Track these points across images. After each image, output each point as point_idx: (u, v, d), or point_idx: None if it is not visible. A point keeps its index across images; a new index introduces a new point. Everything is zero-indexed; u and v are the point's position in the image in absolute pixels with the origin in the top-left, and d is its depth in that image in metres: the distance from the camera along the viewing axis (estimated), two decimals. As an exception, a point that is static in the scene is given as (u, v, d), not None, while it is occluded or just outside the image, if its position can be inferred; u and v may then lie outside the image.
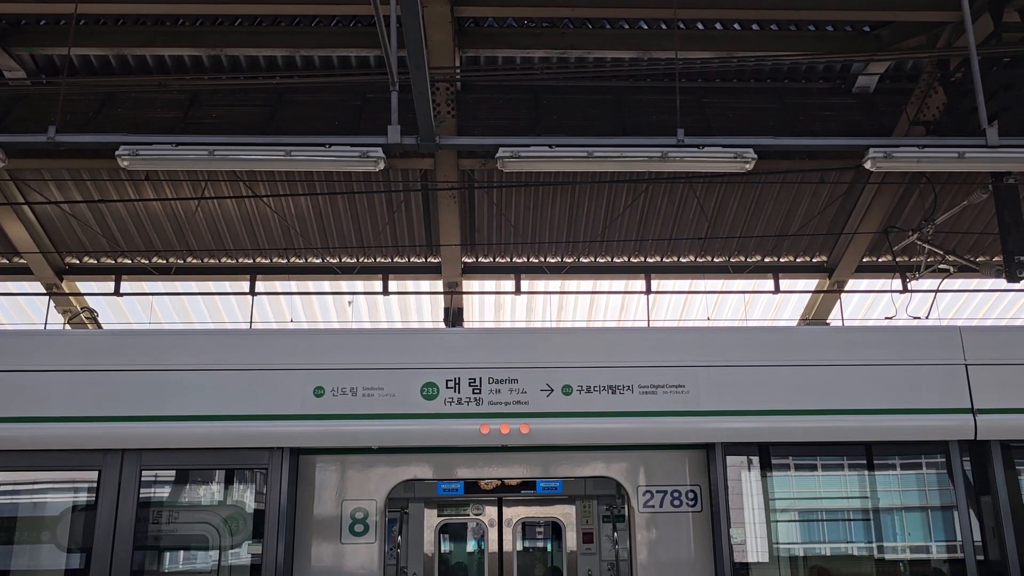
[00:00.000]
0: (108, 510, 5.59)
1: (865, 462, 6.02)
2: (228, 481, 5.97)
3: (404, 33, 5.47)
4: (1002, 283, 13.40)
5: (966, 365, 5.98)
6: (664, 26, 11.09)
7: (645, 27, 11.19)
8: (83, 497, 5.77)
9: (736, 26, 11.22)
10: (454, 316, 14.04)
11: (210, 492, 6.02)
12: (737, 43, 11.16)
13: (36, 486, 5.91)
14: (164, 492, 5.88)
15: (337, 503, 5.83)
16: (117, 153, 6.27)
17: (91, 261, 13.98)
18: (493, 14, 10.83)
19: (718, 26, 11.21)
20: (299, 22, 11.07)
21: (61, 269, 13.89)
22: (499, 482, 9.35)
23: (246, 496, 5.94)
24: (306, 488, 5.83)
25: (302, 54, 11.40)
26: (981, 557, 5.75)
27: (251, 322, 14.40)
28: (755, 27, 11.22)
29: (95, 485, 5.65)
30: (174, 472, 5.88)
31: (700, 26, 11.20)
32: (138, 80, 11.72)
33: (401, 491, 8.03)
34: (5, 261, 13.92)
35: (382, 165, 6.21)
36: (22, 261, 13.65)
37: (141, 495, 5.67)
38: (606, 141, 6.40)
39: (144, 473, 5.69)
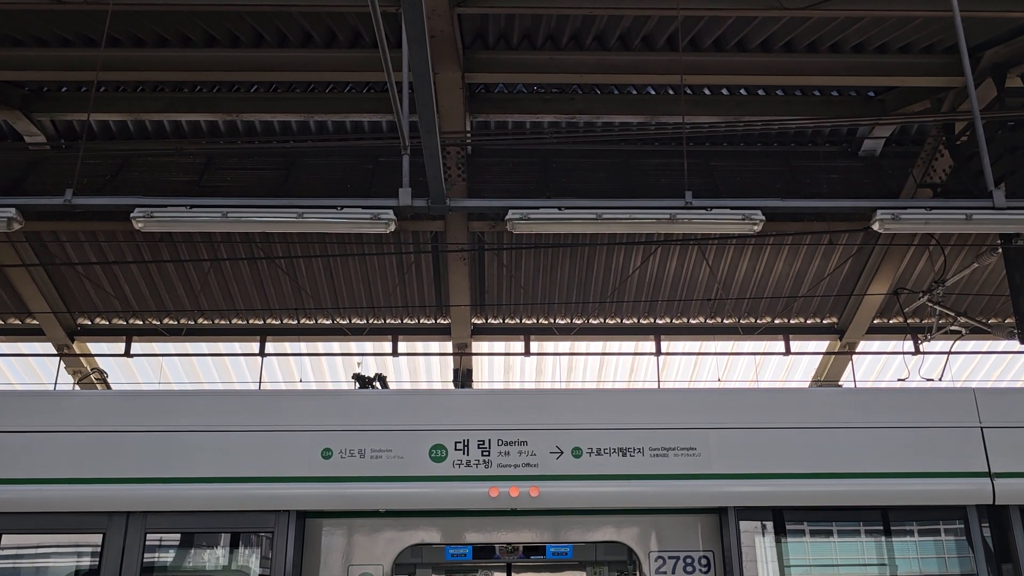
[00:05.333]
0: (112, 574, 5.51)
1: (882, 528, 5.89)
2: (233, 545, 5.89)
3: (416, 98, 5.58)
4: (1015, 345, 13.30)
5: (981, 428, 5.90)
6: (671, 91, 11.29)
7: (652, 92, 11.39)
8: (87, 561, 5.69)
9: (742, 91, 11.41)
10: (463, 377, 14.00)
11: (215, 556, 5.93)
12: (743, 108, 11.34)
13: (40, 550, 5.84)
14: (169, 556, 5.79)
15: (343, 568, 5.73)
16: (132, 215, 6.36)
17: (102, 322, 14.07)
18: (503, 80, 11.05)
19: (724, 91, 11.40)
20: (313, 88, 11.32)
21: (73, 330, 13.97)
22: (509, 546, 9.18)
23: (251, 560, 5.84)
24: (312, 552, 5.74)
25: (316, 119, 11.63)
26: (1004, 628, 5.58)
27: (260, 383, 14.39)
28: (761, 92, 11.40)
29: (99, 549, 5.58)
30: (179, 535, 5.80)
31: (707, 91, 11.39)
32: (155, 144, 11.96)
33: (408, 556, 7.90)
34: (17, 322, 14.01)
35: (393, 227, 6.27)
36: (34, 322, 13.75)
37: (145, 559, 5.59)
38: (615, 203, 6.46)
39: (149, 536, 5.62)
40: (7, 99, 10.96)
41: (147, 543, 5.61)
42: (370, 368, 14.61)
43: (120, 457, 5.70)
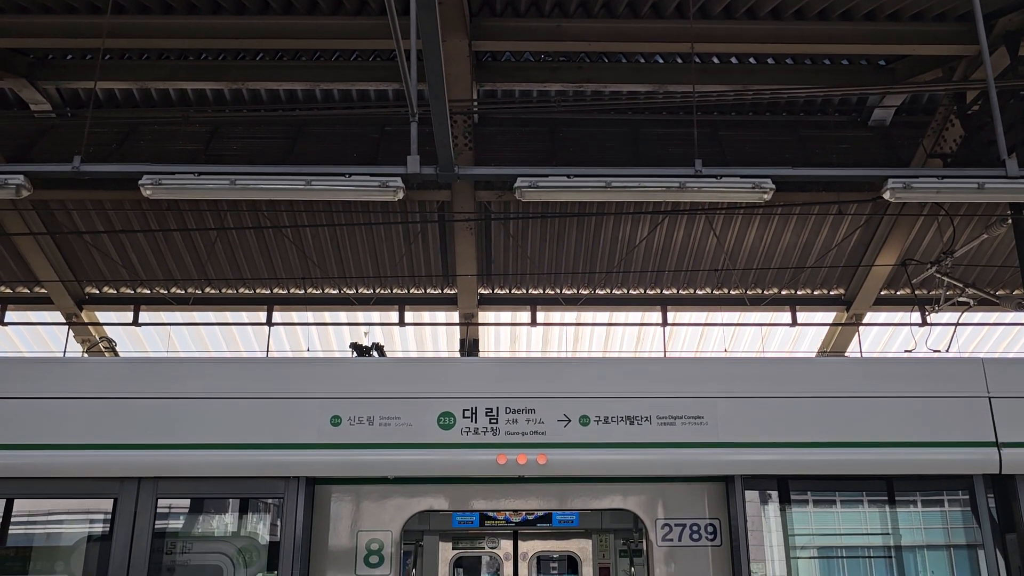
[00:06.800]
0: (123, 539, 5.57)
1: (887, 497, 5.91)
2: (243, 511, 5.94)
3: (424, 64, 5.53)
4: (1023, 316, 13.26)
5: (990, 398, 5.89)
6: (680, 60, 11.18)
7: (661, 61, 11.29)
8: (98, 527, 5.75)
9: (751, 60, 11.29)
10: (470, 347, 14.03)
11: (225, 522, 5.99)
12: (753, 77, 11.23)
13: (52, 516, 5.90)
14: (179, 522, 5.85)
15: (352, 534, 5.78)
16: (140, 182, 6.35)
17: (111, 291, 14.11)
18: (510, 49, 10.95)
19: (734, 60, 11.28)
20: (319, 56, 11.24)
21: (81, 299, 14.02)
22: (515, 513, 9.26)
23: (261, 526, 5.90)
24: (321, 518, 5.79)
25: (322, 88, 11.55)
26: (1007, 598, 5.62)
27: (267, 352, 14.45)
28: (770, 61, 11.29)
29: (110, 515, 5.63)
30: (189, 501, 5.85)
31: (716, 60, 11.28)
32: (161, 113, 11.91)
33: (416, 523, 7.96)
34: (26, 291, 14.07)
35: (401, 195, 6.25)
36: (43, 291, 13.79)
37: (156, 525, 5.64)
38: (624, 171, 6.42)
39: (160, 502, 5.67)
40: (12, 67, 10.91)
41: (158, 509, 5.66)
42: (377, 338, 14.67)
43: (132, 423, 5.73)
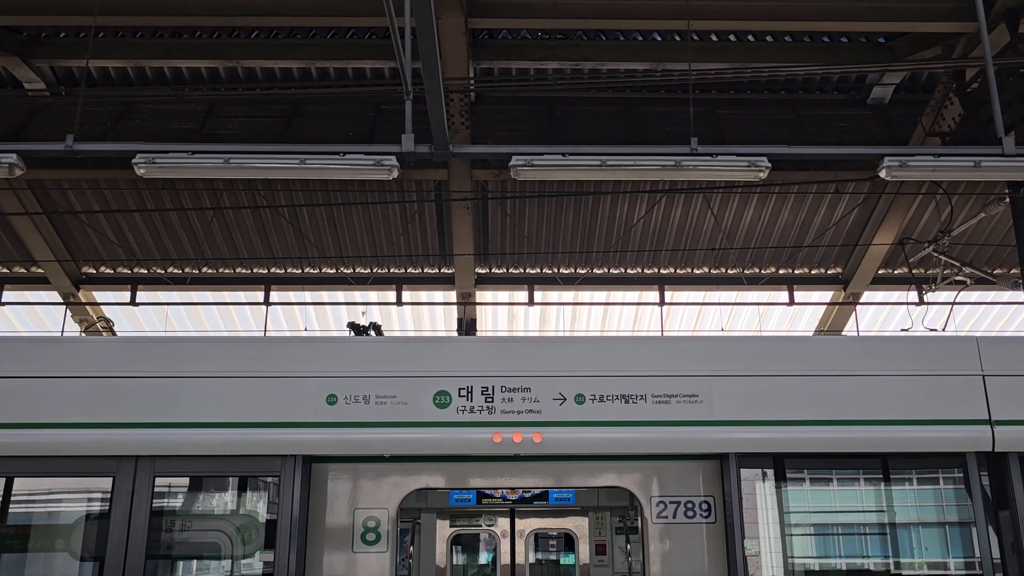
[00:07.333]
0: (121, 518, 5.60)
1: (881, 475, 5.94)
2: (241, 489, 5.97)
3: (418, 43, 5.50)
4: (1020, 295, 13.28)
5: (983, 376, 5.91)
6: (678, 38, 11.10)
7: (659, 39, 11.21)
8: (96, 505, 5.78)
9: (750, 38, 11.22)
10: (467, 327, 14.05)
11: (223, 500, 6.02)
12: (751, 55, 11.16)
13: (51, 495, 5.93)
14: (177, 500, 5.88)
15: (349, 512, 5.81)
16: (134, 161, 6.32)
17: (107, 271, 14.10)
18: (507, 26, 10.88)
19: (732, 38, 11.21)
20: (315, 34, 11.16)
21: (78, 279, 14.01)
22: (512, 491, 9.32)
23: (258, 505, 5.93)
24: (318, 496, 5.82)
25: (318, 66, 11.48)
26: (1000, 574, 5.65)
27: (265, 331, 14.47)
28: (769, 39, 11.21)
29: (108, 493, 5.66)
30: (187, 480, 5.88)
31: (714, 38, 11.21)
32: (156, 91, 11.84)
33: (413, 501, 7.99)
34: (23, 270, 14.05)
35: (396, 173, 6.23)
36: (39, 271, 13.78)
37: (154, 503, 5.67)
38: (619, 150, 6.40)
39: (157, 481, 5.69)
40: (5, 45, 10.82)
41: (156, 487, 5.69)
42: (375, 318, 14.69)
43: (129, 402, 5.75)
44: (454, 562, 9.81)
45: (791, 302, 14.35)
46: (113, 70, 11.69)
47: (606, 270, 14.06)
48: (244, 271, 14.05)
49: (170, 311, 14.85)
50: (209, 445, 5.69)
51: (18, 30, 10.92)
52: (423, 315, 15.22)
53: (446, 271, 13.95)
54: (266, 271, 14.06)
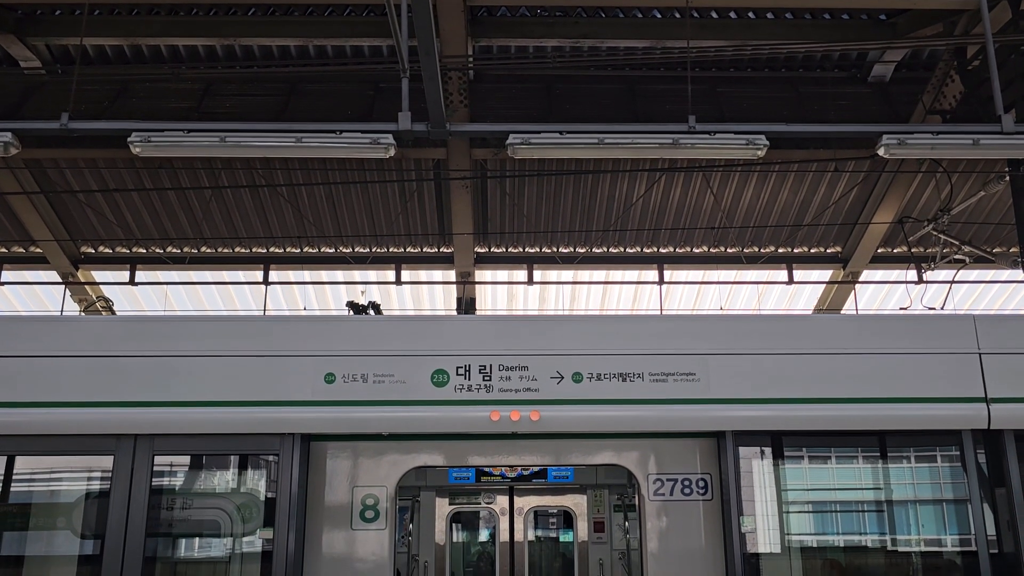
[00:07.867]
0: (121, 496, 5.63)
1: (878, 453, 5.97)
2: (240, 468, 6.00)
3: (414, 20, 5.46)
4: (1019, 274, 13.28)
5: (980, 354, 5.92)
6: (677, 15, 11.02)
7: (658, 15, 11.13)
8: (96, 484, 5.81)
9: (750, 14, 11.14)
10: (466, 306, 14.06)
11: (222, 479, 6.05)
12: (751, 31, 11.08)
13: (52, 473, 5.96)
14: (177, 478, 5.91)
15: (348, 490, 5.84)
16: (129, 140, 6.30)
17: (106, 250, 14.08)
18: (506, 3, 10.80)
19: (732, 14, 11.13)
20: (312, 12, 11.08)
21: (77, 258, 14.00)
22: (511, 469, 9.37)
23: (258, 483, 5.96)
24: (317, 475, 5.85)
25: (315, 44, 11.41)
26: (995, 551, 5.69)
27: (264, 311, 14.48)
28: (769, 15, 11.14)
29: (109, 472, 5.69)
30: (187, 458, 5.91)
31: (714, 14, 11.13)
32: (152, 69, 11.78)
33: (412, 479, 8.03)
34: (21, 250, 14.04)
35: (392, 152, 6.20)
36: (38, 250, 13.77)
37: (154, 482, 5.70)
38: (617, 128, 6.36)
39: (157, 459, 5.72)
40: (1, 23, 10.75)
41: (155, 466, 5.71)
42: (374, 297, 14.70)
43: (128, 381, 5.76)
44: (453, 539, 9.88)
45: (790, 281, 14.35)
46: (109, 48, 11.62)
47: (605, 249, 14.05)
48: (243, 251, 14.03)
49: (169, 291, 14.86)
50: (208, 424, 5.71)
51: (13, 8, 10.84)
52: (422, 295, 15.22)
53: (445, 250, 13.94)
54: (265, 251, 14.05)
